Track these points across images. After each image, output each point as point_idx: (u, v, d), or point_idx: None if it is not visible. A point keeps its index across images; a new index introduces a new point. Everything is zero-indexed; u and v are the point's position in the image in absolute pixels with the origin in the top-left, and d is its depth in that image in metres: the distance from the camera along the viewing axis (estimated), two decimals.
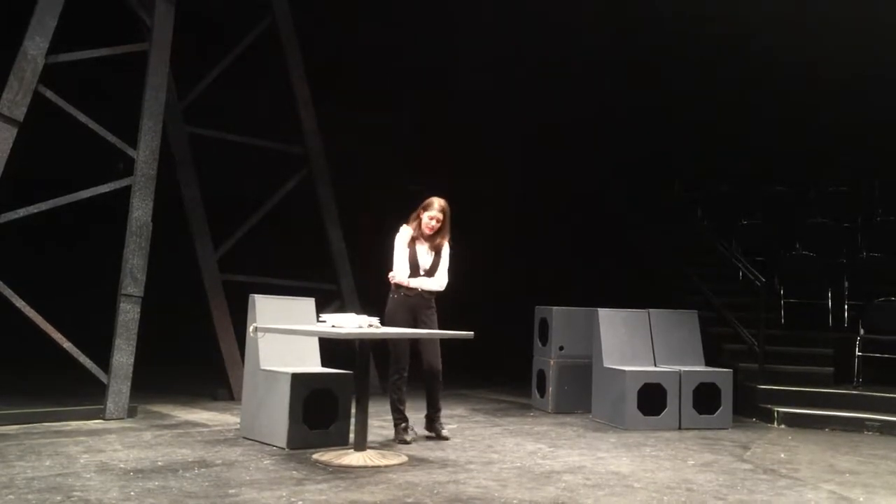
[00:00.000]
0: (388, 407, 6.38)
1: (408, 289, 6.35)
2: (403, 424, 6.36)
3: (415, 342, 6.42)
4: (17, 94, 6.66)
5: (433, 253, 6.43)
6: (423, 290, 6.38)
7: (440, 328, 6.47)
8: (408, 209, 6.58)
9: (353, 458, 5.42)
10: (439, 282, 6.43)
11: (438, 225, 6.34)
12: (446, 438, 6.40)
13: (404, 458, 5.58)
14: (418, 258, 6.40)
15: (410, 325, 6.34)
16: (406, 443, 6.22)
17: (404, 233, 6.41)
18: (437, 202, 6.36)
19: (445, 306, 6.63)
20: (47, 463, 5.14)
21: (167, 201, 8.05)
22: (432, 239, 6.39)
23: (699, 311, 8.22)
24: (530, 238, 11.33)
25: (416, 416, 6.69)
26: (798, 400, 7.92)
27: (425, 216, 6.34)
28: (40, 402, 6.87)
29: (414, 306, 6.37)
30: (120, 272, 7.02)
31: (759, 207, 10.93)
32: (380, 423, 6.96)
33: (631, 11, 10.38)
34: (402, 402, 6.36)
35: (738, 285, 9.53)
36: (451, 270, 6.50)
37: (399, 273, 6.34)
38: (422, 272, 6.39)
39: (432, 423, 6.51)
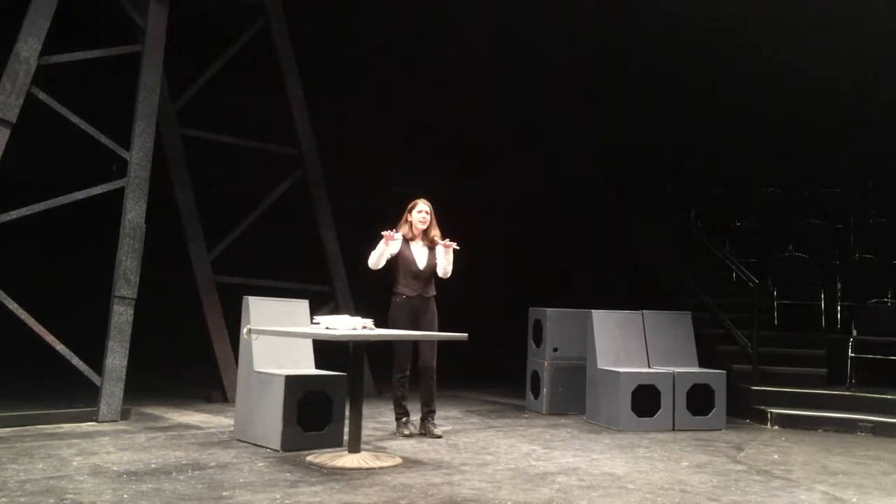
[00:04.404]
0: (382, 409, 6.43)
1: (408, 292, 6.50)
2: (405, 419, 6.62)
3: (415, 342, 6.55)
4: (9, 95, 6.63)
5: (427, 248, 6.59)
6: (422, 291, 6.53)
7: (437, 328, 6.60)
8: (401, 211, 6.65)
9: (347, 459, 5.41)
10: (446, 267, 6.56)
11: (430, 217, 6.58)
12: (439, 437, 6.46)
13: (398, 460, 5.57)
14: (415, 258, 6.55)
15: (413, 326, 6.47)
16: (406, 436, 6.45)
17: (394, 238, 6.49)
18: (421, 200, 6.65)
19: (441, 307, 6.67)
20: (40, 465, 5.12)
21: (161, 203, 8.03)
22: (425, 234, 6.58)
23: (693, 313, 8.23)
24: (525, 239, 11.32)
25: (413, 417, 6.73)
26: (791, 401, 7.94)
27: (415, 213, 6.58)
28: (33, 405, 6.84)
29: (415, 308, 6.53)
30: (113, 274, 7.00)
31: (752, 209, 10.95)
32: (374, 425, 6.96)
33: (628, 10, 10.39)
34: (405, 397, 6.63)
35: (732, 286, 9.54)
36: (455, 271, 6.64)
37: (373, 255, 6.37)
38: (421, 267, 6.50)
39: (425, 422, 6.60)
